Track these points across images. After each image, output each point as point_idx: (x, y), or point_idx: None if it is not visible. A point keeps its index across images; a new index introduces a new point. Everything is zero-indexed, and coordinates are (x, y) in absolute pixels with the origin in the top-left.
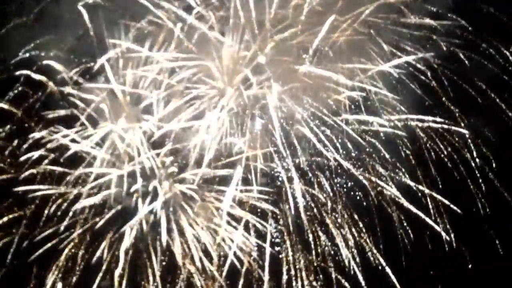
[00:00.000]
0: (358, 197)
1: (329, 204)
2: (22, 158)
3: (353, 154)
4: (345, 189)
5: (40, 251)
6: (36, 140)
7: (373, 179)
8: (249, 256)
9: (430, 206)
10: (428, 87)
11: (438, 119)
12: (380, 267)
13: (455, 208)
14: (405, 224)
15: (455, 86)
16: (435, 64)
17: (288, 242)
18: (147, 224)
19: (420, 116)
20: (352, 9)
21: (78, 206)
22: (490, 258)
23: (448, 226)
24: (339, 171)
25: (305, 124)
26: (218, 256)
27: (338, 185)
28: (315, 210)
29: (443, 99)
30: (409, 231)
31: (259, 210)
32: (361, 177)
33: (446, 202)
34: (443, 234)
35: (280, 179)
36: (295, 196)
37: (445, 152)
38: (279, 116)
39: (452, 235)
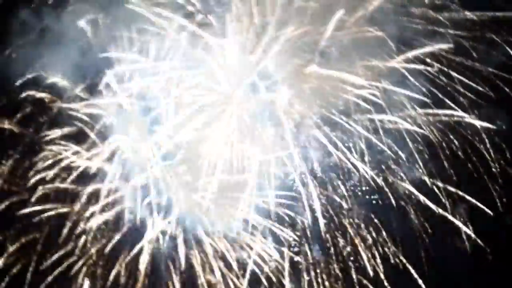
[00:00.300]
0: (373, 196)
1: (345, 205)
2: (33, 180)
3: (366, 153)
4: (359, 189)
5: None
6: (46, 160)
7: (388, 177)
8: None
9: (447, 201)
10: (435, 81)
11: (450, 112)
12: (401, 266)
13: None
14: (422, 220)
15: (463, 78)
16: (443, 57)
17: (306, 246)
18: (164, 236)
19: (430, 110)
20: (356, 7)
21: (92, 223)
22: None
23: (462, 220)
24: (352, 171)
25: (316, 126)
26: (238, 264)
27: (352, 185)
28: (331, 211)
29: (453, 91)
30: (427, 227)
31: (276, 215)
32: (375, 176)
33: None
34: (462, 228)
35: (294, 183)
36: (311, 199)
37: (458, 145)
38: (290, 120)
39: (471, 229)
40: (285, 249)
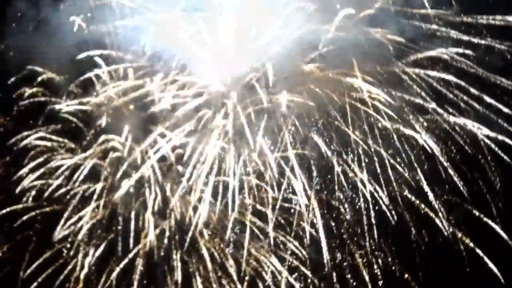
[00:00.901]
0: (370, 202)
1: (342, 210)
2: (27, 177)
3: (364, 158)
4: (356, 194)
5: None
6: (40, 157)
7: (385, 182)
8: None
9: (444, 208)
10: (434, 85)
11: (448, 117)
12: (397, 273)
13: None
14: (419, 226)
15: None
16: (442, 61)
17: (304, 251)
18: (159, 238)
19: (428, 115)
20: (356, 9)
21: (86, 222)
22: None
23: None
24: (350, 176)
25: (314, 129)
26: (235, 268)
27: (349, 190)
28: (327, 216)
29: (451, 96)
30: (424, 234)
31: (273, 219)
32: (373, 181)
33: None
34: (459, 235)
35: (292, 187)
36: (308, 203)
37: (456, 151)
38: (287, 122)
39: (468, 236)
40: (282, 253)
